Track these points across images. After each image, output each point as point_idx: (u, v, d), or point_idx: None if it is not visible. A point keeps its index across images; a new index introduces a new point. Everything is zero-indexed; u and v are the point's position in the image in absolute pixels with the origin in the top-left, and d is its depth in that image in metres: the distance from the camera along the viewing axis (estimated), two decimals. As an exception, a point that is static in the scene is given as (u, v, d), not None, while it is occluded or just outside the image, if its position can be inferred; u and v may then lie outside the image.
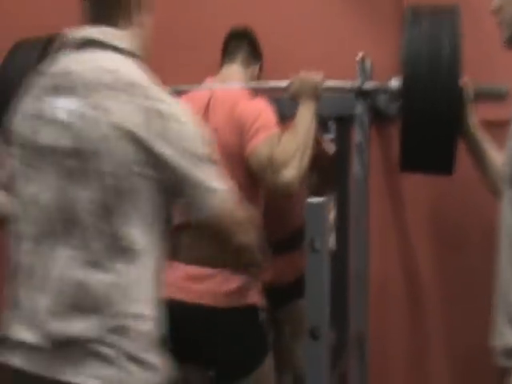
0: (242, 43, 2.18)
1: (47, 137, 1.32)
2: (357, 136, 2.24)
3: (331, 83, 2.09)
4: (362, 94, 2.19)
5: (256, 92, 2.04)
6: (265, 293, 1.97)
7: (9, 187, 1.44)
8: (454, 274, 2.28)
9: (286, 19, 2.45)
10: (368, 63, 2.27)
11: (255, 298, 1.91)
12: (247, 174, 1.87)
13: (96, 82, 1.31)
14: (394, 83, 2.02)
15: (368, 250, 2.23)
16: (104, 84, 1.31)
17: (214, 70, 2.16)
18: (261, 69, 2.25)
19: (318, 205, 1.65)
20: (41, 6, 2.64)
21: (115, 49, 1.38)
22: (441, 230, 2.31)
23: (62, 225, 1.29)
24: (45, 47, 2.17)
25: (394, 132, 2.18)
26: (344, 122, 2.35)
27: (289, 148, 1.87)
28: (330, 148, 2.52)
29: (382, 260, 2.32)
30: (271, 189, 1.89)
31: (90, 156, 1.28)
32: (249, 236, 1.44)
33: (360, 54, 2.26)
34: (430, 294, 2.31)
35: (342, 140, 2.39)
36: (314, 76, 2.05)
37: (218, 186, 1.35)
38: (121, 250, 1.28)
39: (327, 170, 2.47)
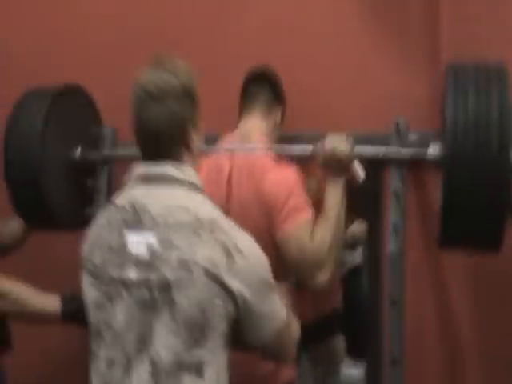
0: (262, 87, 2.05)
1: (121, 267, 1.42)
2: (392, 182, 2.09)
3: (363, 150, 1.94)
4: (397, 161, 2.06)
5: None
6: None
7: None
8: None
9: (319, 65, 2.36)
10: (403, 126, 2.12)
11: (290, 375, 1.91)
12: (277, 254, 1.78)
13: (169, 218, 1.40)
14: (433, 151, 1.88)
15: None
16: (177, 221, 1.40)
17: (232, 117, 2.07)
18: (283, 113, 2.10)
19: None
20: (51, 56, 2.67)
21: (184, 184, 1.46)
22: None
23: (135, 350, 1.39)
24: (55, 99, 2.20)
25: (432, 176, 2.11)
26: (377, 164, 2.19)
27: (323, 245, 1.78)
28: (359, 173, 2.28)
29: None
30: (302, 283, 1.82)
31: (164, 289, 1.37)
32: (295, 343, 1.55)
33: (395, 119, 2.12)
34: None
35: (375, 183, 2.23)
36: (344, 145, 1.88)
37: (279, 315, 1.46)
38: (190, 367, 1.37)
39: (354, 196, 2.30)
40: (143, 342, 1.38)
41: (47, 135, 2.15)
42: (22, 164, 2.14)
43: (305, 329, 2.10)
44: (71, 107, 2.30)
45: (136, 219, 1.43)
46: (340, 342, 2.71)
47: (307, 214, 1.83)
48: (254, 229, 1.63)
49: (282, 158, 1.93)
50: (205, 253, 1.37)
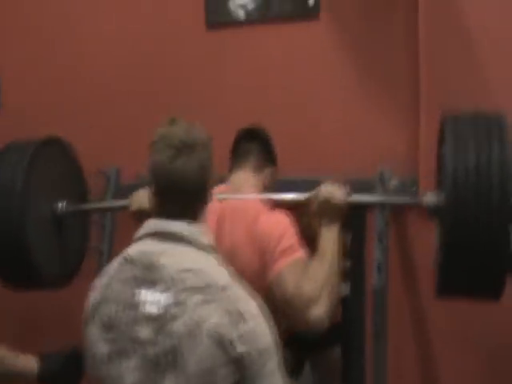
0: (253, 145, 2.01)
1: (133, 324, 1.41)
2: (377, 224, 2.21)
3: (358, 198, 1.93)
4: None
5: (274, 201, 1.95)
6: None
7: None
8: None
9: (304, 114, 2.51)
10: (387, 174, 2.25)
11: None
12: (269, 297, 1.69)
13: (182, 281, 1.40)
14: (431, 199, 1.83)
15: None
16: (190, 285, 1.40)
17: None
18: (275, 175, 2.06)
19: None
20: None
21: (198, 245, 1.46)
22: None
23: None
24: (36, 151, 2.13)
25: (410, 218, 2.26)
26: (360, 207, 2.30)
27: (317, 281, 1.75)
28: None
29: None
30: (299, 324, 1.77)
31: (172, 352, 1.37)
32: None
33: (378, 169, 2.24)
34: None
35: (358, 224, 2.36)
36: (339, 193, 1.88)
37: (278, 377, 1.43)
38: None
39: None
40: None
41: (29, 189, 2.09)
42: (2, 220, 2.05)
43: (309, 339, 2.14)
44: (53, 159, 2.25)
45: (149, 277, 1.43)
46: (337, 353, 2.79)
47: (301, 253, 1.81)
48: (246, 269, 1.66)
49: (273, 204, 1.96)
50: (212, 317, 1.38)
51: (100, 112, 2.75)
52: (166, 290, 1.40)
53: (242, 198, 1.91)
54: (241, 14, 2.60)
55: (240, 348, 1.37)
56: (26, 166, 2.07)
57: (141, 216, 1.94)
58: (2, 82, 2.92)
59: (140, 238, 1.51)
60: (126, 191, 2.45)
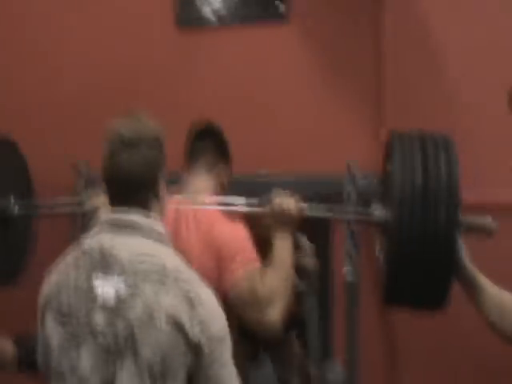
0: (205, 143, 2.02)
1: (88, 312, 1.41)
2: (347, 242, 2.27)
3: (310, 210, 1.93)
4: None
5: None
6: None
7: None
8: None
9: (272, 114, 2.59)
10: (355, 168, 2.32)
11: None
12: (224, 302, 1.65)
13: (137, 266, 1.41)
14: (379, 213, 1.85)
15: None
16: (144, 269, 1.41)
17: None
18: (229, 171, 2.07)
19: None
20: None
21: (152, 233, 1.48)
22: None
23: None
24: None
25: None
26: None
27: (272, 286, 1.81)
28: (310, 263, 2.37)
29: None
30: (255, 326, 1.83)
31: (128, 337, 1.38)
32: None
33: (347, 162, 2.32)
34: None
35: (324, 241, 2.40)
36: (292, 204, 1.91)
37: (231, 365, 1.45)
38: None
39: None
40: None
41: None
42: None
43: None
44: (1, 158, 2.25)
45: (104, 265, 1.44)
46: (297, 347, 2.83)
47: (256, 263, 1.86)
48: (201, 274, 1.58)
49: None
50: (169, 301, 1.39)
51: (71, 110, 2.76)
52: (120, 274, 1.41)
53: (199, 207, 1.92)
54: (212, 17, 2.66)
55: (196, 330, 1.38)
56: None
57: (94, 214, 1.98)
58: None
59: (94, 232, 1.52)
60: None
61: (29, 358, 1.79)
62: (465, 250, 1.72)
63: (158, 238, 1.49)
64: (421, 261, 1.67)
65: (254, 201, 1.95)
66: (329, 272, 2.42)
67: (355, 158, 2.42)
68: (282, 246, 1.89)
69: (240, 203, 1.96)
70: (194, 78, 2.66)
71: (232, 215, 1.93)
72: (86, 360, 1.41)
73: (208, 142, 2.02)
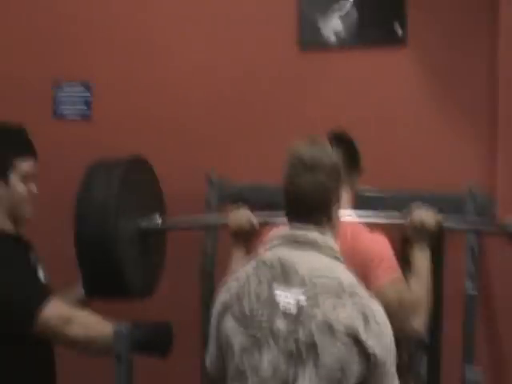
0: (340, 150, 1.98)
1: (270, 319, 1.56)
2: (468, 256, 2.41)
3: (448, 222, 2.09)
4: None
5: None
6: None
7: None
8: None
9: (388, 134, 2.76)
10: (476, 190, 2.45)
11: None
12: None
13: (315, 280, 1.56)
14: None
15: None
16: (323, 284, 1.55)
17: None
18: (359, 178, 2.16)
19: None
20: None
21: (327, 250, 1.63)
22: None
23: None
24: (126, 170, 2.25)
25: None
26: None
27: (418, 295, 1.95)
28: None
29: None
30: (401, 333, 1.85)
31: (310, 344, 1.51)
32: None
33: (468, 183, 2.45)
34: None
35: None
36: (432, 219, 2.04)
37: (396, 378, 1.60)
38: None
39: None
40: None
41: (121, 203, 2.19)
42: (94, 234, 2.14)
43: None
44: (140, 177, 2.36)
45: (285, 276, 1.57)
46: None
47: (399, 273, 1.99)
48: None
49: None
50: (346, 315, 1.52)
51: (192, 132, 2.98)
52: (300, 287, 1.55)
53: (346, 220, 1.97)
54: (333, 38, 2.82)
55: (370, 342, 1.51)
56: (117, 184, 2.19)
57: (240, 235, 2.16)
58: (93, 95, 3.11)
59: (273, 246, 1.67)
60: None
61: (142, 343, 1.99)
62: None
63: (333, 254, 1.63)
64: None
65: (395, 213, 2.11)
66: (441, 285, 2.59)
67: (468, 179, 2.59)
68: (422, 256, 2.04)
69: (384, 221, 2.12)
70: (316, 97, 2.84)
71: (374, 228, 2.06)
72: (267, 362, 1.54)
73: (342, 150, 1.98)
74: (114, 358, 1.95)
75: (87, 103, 3.13)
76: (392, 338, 1.59)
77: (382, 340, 1.55)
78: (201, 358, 2.74)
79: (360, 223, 2.07)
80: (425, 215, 2.07)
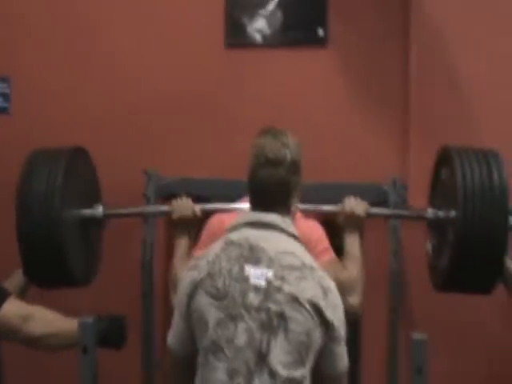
0: None
1: (243, 293, 1.70)
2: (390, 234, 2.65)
3: (375, 211, 2.32)
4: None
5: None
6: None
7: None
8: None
9: (310, 129, 2.84)
10: (399, 181, 2.69)
11: None
12: None
13: (282, 260, 1.72)
14: (437, 213, 2.27)
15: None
16: (289, 263, 1.72)
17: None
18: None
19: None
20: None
21: (287, 233, 1.79)
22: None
23: (255, 363, 1.67)
24: (70, 160, 2.27)
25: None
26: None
27: (352, 274, 2.13)
28: None
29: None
30: None
31: (280, 316, 1.67)
32: None
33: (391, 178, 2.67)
34: None
35: None
36: (361, 207, 2.26)
37: (345, 363, 1.78)
38: (298, 383, 1.69)
39: None
40: (262, 357, 1.66)
41: (66, 193, 2.21)
42: (39, 223, 2.15)
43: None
44: (82, 167, 2.41)
45: (254, 256, 1.72)
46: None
47: (334, 254, 2.18)
48: None
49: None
50: (310, 290, 1.70)
51: (123, 122, 3.06)
52: (268, 266, 1.70)
53: None
54: (258, 38, 2.98)
55: (329, 315, 1.70)
56: (62, 174, 2.21)
57: (182, 223, 2.29)
58: (12, 91, 3.11)
59: (237, 227, 1.82)
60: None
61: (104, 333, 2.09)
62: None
63: (292, 235, 1.80)
64: (478, 253, 2.06)
65: (333, 208, 2.32)
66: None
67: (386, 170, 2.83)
68: (354, 242, 2.25)
69: (323, 208, 2.34)
70: (242, 94, 2.98)
71: (310, 216, 2.26)
72: (241, 332, 1.67)
73: None
74: (77, 351, 2.01)
75: (5, 96, 3.12)
76: (342, 309, 1.77)
77: (336, 310, 1.74)
78: (141, 346, 2.88)
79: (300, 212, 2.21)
80: (355, 204, 2.28)
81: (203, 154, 2.99)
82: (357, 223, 2.28)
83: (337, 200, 2.33)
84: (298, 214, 2.19)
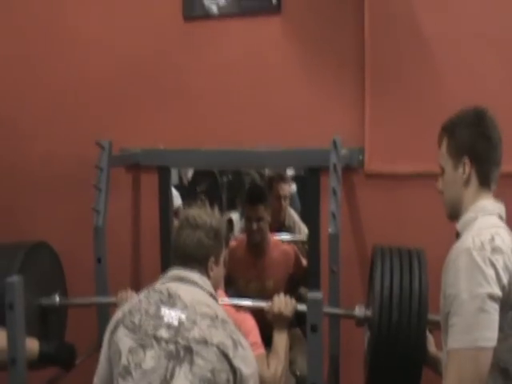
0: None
1: (155, 328, 1.91)
2: (331, 183, 2.62)
3: (303, 308, 2.25)
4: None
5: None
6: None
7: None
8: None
9: (266, 94, 3.01)
10: (339, 142, 2.67)
11: None
12: None
13: (196, 307, 1.94)
14: (360, 312, 2.30)
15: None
16: (202, 311, 1.94)
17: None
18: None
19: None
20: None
21: (205, 290, 2.03)
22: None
23: None
24: (26, 257, 2.49)
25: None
26: (315, 172, 2.89)
27: (277, 375, 2.25)
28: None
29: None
30: None
31: (187, 350, 1.87)
32: None
33: (333, 136, 2.66)
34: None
35: (314, 187, 2.92)
36: (288, 308, 2.33)
37: None
38: None
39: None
40: (165, 382, 1.85)
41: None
42: None
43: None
44: (39, 259, 2.64)
45: (170, 301, 1.96)
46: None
47: (263, 350, 2.31)
48: None
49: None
50: (219, 338, 1.90)
51: (83, 94, 3.21)
52: (182, 310, 1.93)
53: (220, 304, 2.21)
54: (214, 8, 3.05)
55: (237, 363, 1.89)
56: (17, 271, 2.42)
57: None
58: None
59: (163, 281, 2.05)
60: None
61: (51, 353, 2.40)
62: (431, 340, 2.20)
63: (210, 293, 2.04)
64: (393, 355, 2.10)
65: (262, 305, 2.40)
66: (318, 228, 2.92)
67: (339, 134, 2.85)
68: (281, 338, 2.35)
69: (250, 304, 2.50)
70: (200, 64, 3.07)
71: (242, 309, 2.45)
72: (149, 359, 1.88)
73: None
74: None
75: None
76: (256, 365, 1.99)
77: (247, 361, 1.93)
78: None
79: (229, 305, 2.40)
80: (283, 305, 2.36)
81: (164, 124, 3.09)
82: (285, 322, 2.37)
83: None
84: (229, 308, 2.36)
